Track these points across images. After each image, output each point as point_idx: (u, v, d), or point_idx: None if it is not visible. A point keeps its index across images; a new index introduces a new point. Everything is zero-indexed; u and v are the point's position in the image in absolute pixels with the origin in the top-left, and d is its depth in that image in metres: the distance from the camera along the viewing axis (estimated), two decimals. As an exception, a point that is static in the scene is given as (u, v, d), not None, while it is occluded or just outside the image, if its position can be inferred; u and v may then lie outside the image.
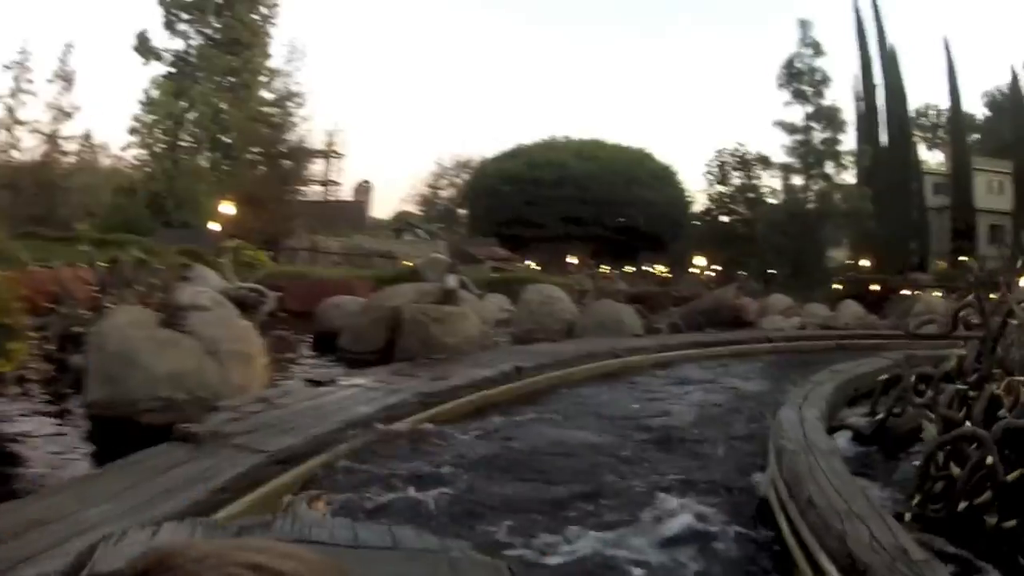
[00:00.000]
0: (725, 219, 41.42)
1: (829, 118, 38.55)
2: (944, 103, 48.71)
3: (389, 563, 2.31)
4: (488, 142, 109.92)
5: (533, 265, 35.64)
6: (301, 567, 0.66)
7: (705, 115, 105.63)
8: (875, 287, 34.99)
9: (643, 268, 38.15)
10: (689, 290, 22.21)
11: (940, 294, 33.93)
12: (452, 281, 12.14)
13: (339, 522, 2.90)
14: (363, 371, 8.50)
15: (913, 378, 6.88)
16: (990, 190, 45.54)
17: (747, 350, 14.26)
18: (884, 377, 7.64)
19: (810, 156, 38.14)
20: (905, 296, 31.25)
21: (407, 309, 10.81)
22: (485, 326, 12.37)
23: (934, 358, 11.70)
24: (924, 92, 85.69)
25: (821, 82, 38.40)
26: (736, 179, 41.15)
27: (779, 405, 6.77)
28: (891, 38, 43.80)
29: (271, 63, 38.95)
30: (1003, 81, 48.86)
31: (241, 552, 0.66)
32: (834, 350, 15.34)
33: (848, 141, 41.20)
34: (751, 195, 40.76)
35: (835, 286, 35.81)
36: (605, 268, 32.03)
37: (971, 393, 5.60)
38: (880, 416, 6.97)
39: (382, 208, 58.10)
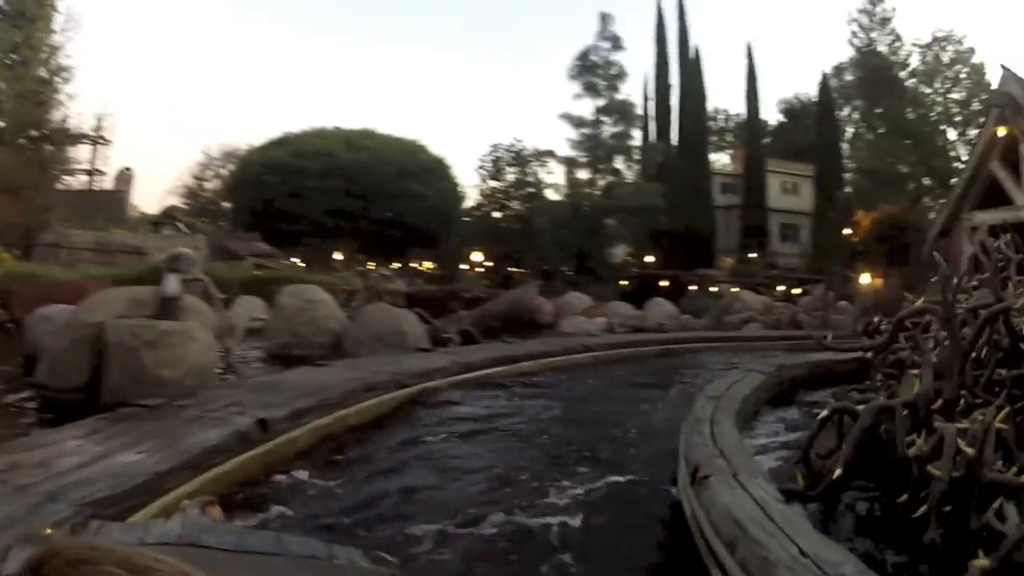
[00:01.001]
0: (498, 215, 40.27)
1: (622, 112, 37.77)
2: (734, 107, 50.54)
3: (275, 569, 2.37)
4: (260, 132, 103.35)
5: (299, 262, 32.59)
6: (166, 570, 0.78)
7: (494, 109, 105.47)
8: (664, 283, 34.75)
9: (412, 265, 36.85)
10: (479, 290, 19.63)
11: (738, 289, 34.07)
12: (172, 284, 8.65)
13: (228, 528, 3.00)
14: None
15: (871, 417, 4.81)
16: (784, 191, 47.26)
17: (566, 362, 11.72)
18: (823, 415, 5.23)
19: (599, 150, 37.04)
20: (718, 294, 31.01)
21: (112, 328, 7.39)
22: (228, 343, 9.00)
23: (808, 365, 9.76)
24: (727, 95, 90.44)
25: (617, 76, 37.48)
26: (511, 174, 40.23)
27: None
28: (696, 39, 44.59)
29: (54, 38, 32.77)
30: (799, 88, 51.37)
31: (114, 554, 0.78)
32: (677, 355, 13.42)
33: (642, 137, 41.37)
34: (529, 190, 39.81)
35: (622, 282, 35.31)
36: (372, 264, 30.03)
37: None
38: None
39: (152, 201, 53.48)
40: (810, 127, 50.20)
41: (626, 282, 35.41)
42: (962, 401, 4.85)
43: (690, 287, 33.79)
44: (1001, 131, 20.80)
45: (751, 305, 21.11)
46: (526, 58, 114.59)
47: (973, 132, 41.83)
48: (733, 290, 22.54)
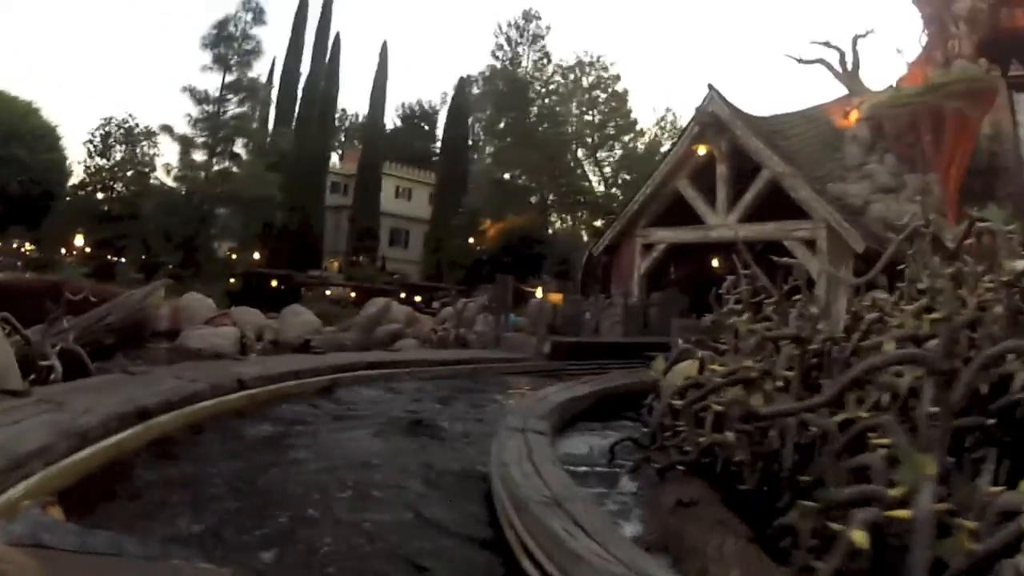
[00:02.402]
0: (101, 196, 35.68)
1: (251, 92, 33.45)
2: (351, 107, 48.76)
3: (114, 569, 2.43)
4: None
5: None
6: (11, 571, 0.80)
7: (117, 77, 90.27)
8: (275, 283, 31.49)
9: (15, 246, 31.51)
10: (90, 288, 13.71)
11: (352, 291, 31.74)
12: None
13: (69, 528, 2.95)
14: None
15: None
16: (398, 195, 46.24)
17: (221, 407, 7.74)
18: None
19: (220, 131, 32.25)
20: (346, 300, 28.10)
21: None
22: None
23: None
24: (347, 94, 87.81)
25: (252, 52, 33.51)
26: (119, 152, 36.23)
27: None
28: (337, 29, 41.97)
29: None
30: (423, 96, 51.08)
31: None
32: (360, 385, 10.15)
33: (263, 124, 37.71)
34: (142, 170, 35.63)
35: (232, 280, 31.32)
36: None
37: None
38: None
39: None
40: (429, 134, 50.16)
41: (234, 280, 30.80)
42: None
43: (304, 289, 30.45)
44: (701, 150, 20.58)
45: (395, 316, 18.45)
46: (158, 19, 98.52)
47: (603, 154, 44.78)
48: (381, 300, 19.83)
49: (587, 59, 45.10)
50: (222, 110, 32.58)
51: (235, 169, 32.63)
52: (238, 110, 33.00)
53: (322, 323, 16.96)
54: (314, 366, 10.72)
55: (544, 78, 45.21)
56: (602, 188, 44.92)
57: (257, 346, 13.25)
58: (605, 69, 44.99)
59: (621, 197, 41.11)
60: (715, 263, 23.10)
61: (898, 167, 20.50)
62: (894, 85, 25.77)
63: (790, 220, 18.99)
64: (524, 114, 42.28)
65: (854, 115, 23.78)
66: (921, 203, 18.81)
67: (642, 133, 46.58)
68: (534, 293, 19.84)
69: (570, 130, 43.57)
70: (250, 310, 16.82)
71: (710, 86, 20.61)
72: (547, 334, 16.26)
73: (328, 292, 30.53)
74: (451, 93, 46.86)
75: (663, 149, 45.80)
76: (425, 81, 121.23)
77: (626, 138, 45.61)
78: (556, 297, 18.06)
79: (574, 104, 44.27)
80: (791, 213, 19.01)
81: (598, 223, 39.76)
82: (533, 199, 43.12)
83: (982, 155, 22.10)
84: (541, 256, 33.98)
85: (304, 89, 41.01)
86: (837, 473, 3.88)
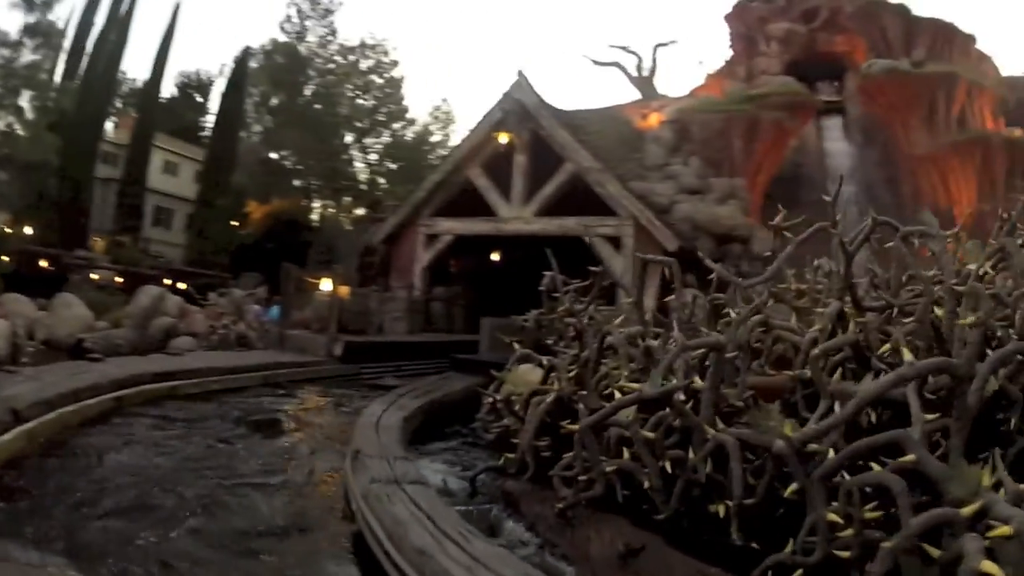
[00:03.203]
0: None
1: (46, 38, 28.83)
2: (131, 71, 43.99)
3: None
4: None
5: None
6: None
7: None
8: (46, 264, 27.20)
9: None
10: None
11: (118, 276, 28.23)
12: None
13: None
14: None
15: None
16: (165, 170, 42.01)
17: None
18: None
19: (9, 81, 27.58)
20: (114, 286, 24.32)
21: None
22: None
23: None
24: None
25: None
26: None
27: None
28: None
29: None
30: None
31: None
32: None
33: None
34: None
35: (6, 258, 26.71)
36: None
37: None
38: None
39: None
40: (202, 107, 46.66)
41: (8, 259, 25.86)
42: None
43: (71, 273, 26.27)
44: (503, 137, 19.85)
45: (167, 308, 15.88)
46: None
47: (370, 140, 43.82)
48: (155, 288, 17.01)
49: (371, 41, 44.41)
50: (16, 56, 27.81)
51: (17, 127, 27.77)
52: (32, 57, 28.45)
53: (93, 315, 14.11)
54: (93, 383, 8.64)
55: (326, 56, 43.86)
56: (367, 175, 44.36)
57: (29, 348, 10.53)
58: (386, 53, 44.47)
59: (385, 185, 41.00)
60: (495, 257, 22.64)
61: (704, 170, 21.20)
62: (691, 94, 26.98)
63: (593, 216, 18.79)
64: (299, 92, 40.90)
65: (654, 117, 24.45)
66: (733, 206, 19.75)
67: (413, 122, 46.36)
68: (318, 285, 17.95)
69: (344, 113, 42.46)
70: (21, 298, 13.66)
71: (520, 72, 20.09)
72: (337, 332, 14.75)
73: (94, 276, 26.52)
74: (231, 64, 43.60)
75: (432, 139, 46.25)
76: (214, 49, 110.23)
77: (396, 126, 45.09)
78: (344, 290, 16.30)
79: (350, 87, 43.32)
80: (592, 209, 18.80)
81: (360, 211, 38.91)
82: (298, 182, 41.77)
83: (787, 164, 23.61)
84: (307, 243, 32.13)
85: (96, 43, 35.59)
86: (822, 497, 3.43)
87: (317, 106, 41.07)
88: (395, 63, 44.50)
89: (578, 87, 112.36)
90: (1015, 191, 20.58)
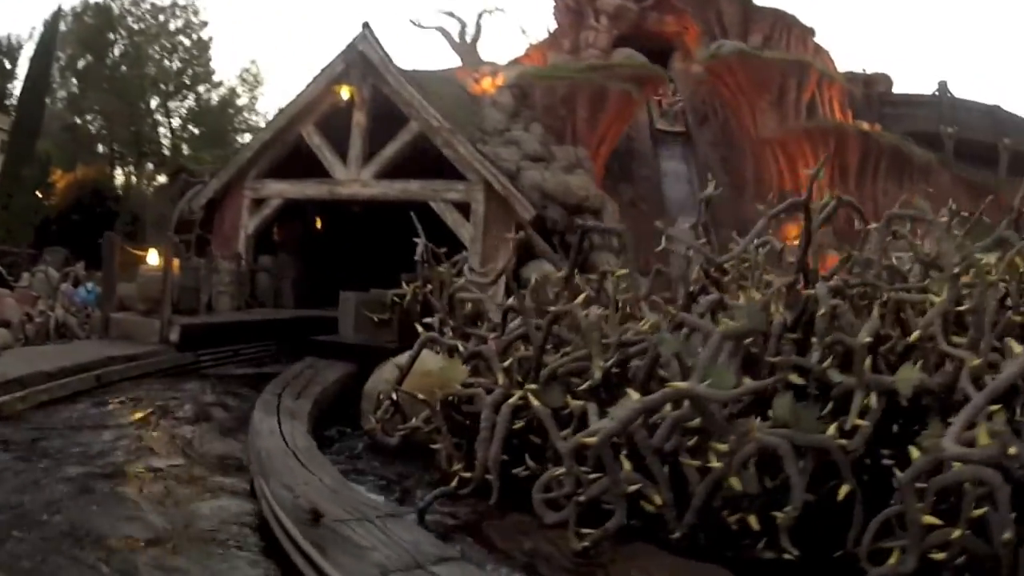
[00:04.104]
0: None
1: None
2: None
3: None
4: None
5: None
6: None
7: None
8: None
9: None
10: None
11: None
12: None
13: None
14: None
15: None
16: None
17: None
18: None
19: None
20: None
21: None
22: None
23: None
24: None
25: None
26: None
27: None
28: None
29: None
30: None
31: None
32: None
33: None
34: None
35: None
36: None
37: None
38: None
39: None
40: (9, 72, 42.16)
41: None
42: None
43: None
44: (344, 92, 18.10)
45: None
46: None
47: (174, 104, 41.77)
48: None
49: (182, 1, 42.04)
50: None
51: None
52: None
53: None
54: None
55: (138, 15, 41.17)
56: (169, 140, 42.22)
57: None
58: (196, 13, 42.23)
59: (187, 152, 39.79)
60: (319, 224, 21.21)
61: (545, 137, 20.81)
62: (515, 63, 26.61)
63: (439, 180, 17.85)
64: (106, 54, 38.68)
65: (487, 81, 23.80)
66: (583, 175, 19.52)
67: (219, 84, 44.12)
68: (144, 258, 15.28)
69: (151, 75, 40.24)
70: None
71: (365, 24, 18.61)
72: (172, 315, 12.69)
73: None
74: (41, 28, 38.93)
75: (239, 102, 44.10)
76: (25, 12, 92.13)
77: (201, 88, 43.12)
78: (175, 263, 13.85)
79: (157, 48, 41.20)
80: (437, 173, 17.81)
81: (162, 178, 36.97)
82: (103, 148, 39.32)
83: (622, 138, 23.69)
84: (114, 214, 29.12)
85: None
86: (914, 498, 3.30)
87: (124, 68, 38.92)
88: (204, 23, 42.39)
89: (396, 51, 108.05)
90: (868, 183, 22.16)
